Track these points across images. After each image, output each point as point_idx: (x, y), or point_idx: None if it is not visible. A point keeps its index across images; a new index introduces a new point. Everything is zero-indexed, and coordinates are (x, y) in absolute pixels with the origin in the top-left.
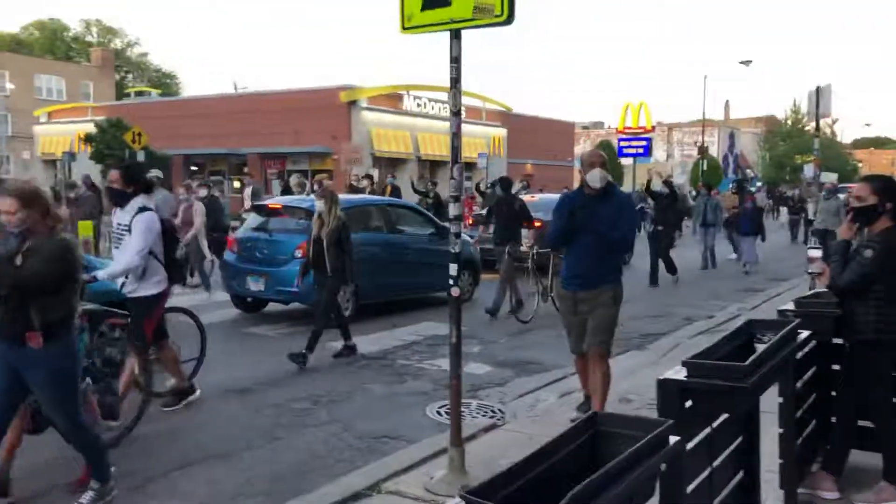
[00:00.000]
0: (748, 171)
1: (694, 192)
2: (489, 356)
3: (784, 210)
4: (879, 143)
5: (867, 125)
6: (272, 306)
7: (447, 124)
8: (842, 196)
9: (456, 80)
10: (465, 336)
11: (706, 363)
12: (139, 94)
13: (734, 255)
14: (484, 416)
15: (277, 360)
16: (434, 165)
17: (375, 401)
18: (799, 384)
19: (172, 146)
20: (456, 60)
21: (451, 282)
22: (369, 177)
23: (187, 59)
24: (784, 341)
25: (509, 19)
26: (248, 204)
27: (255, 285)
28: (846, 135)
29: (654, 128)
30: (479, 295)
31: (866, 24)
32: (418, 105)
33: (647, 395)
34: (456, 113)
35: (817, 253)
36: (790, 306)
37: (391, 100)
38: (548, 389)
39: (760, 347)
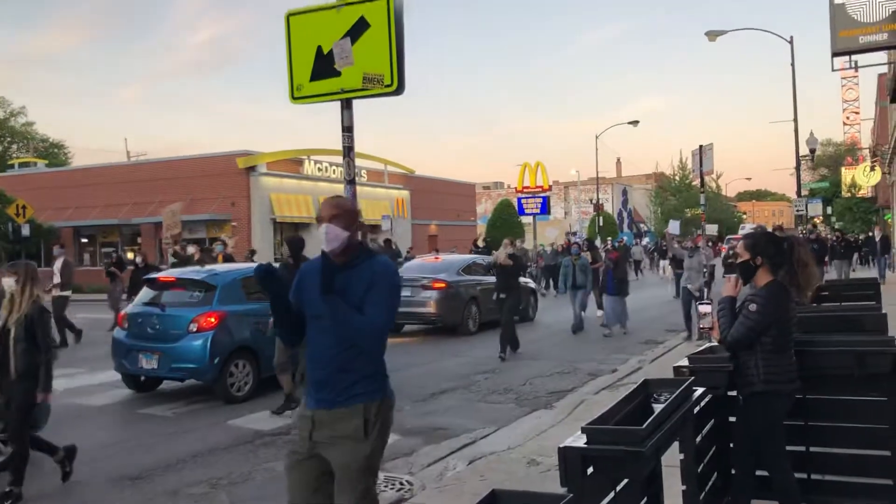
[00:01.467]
0: (641, 225)
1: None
2: (396, 425)
3: (663, 263)
4: (760, 195)
5: (748, 179)
6: (168, 384)
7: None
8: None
9: (349, 149)
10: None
11: (605, 428)
12: (23, 164)
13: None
14: (391, 489)
15: (175, 442)
16: None
17: (277, 480)
18: (698, 439)
19: (61, 218)
20: (348, 130)
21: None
22: (196, 242)
23: (78, 129)
24: (680, 400)
25: (399, 89)
26: (56, 279)
27: (147, 363)
28: (730, 188)
29: (551, 186)
30: (386, 361)
31: (742, 87)
32: (319, 169)
33: (554, 457)
34: (350, 181)
35: (708, 308)
36: (684, 362)
37: (291, 164)
38: (457, 456)
39: (657, 407)
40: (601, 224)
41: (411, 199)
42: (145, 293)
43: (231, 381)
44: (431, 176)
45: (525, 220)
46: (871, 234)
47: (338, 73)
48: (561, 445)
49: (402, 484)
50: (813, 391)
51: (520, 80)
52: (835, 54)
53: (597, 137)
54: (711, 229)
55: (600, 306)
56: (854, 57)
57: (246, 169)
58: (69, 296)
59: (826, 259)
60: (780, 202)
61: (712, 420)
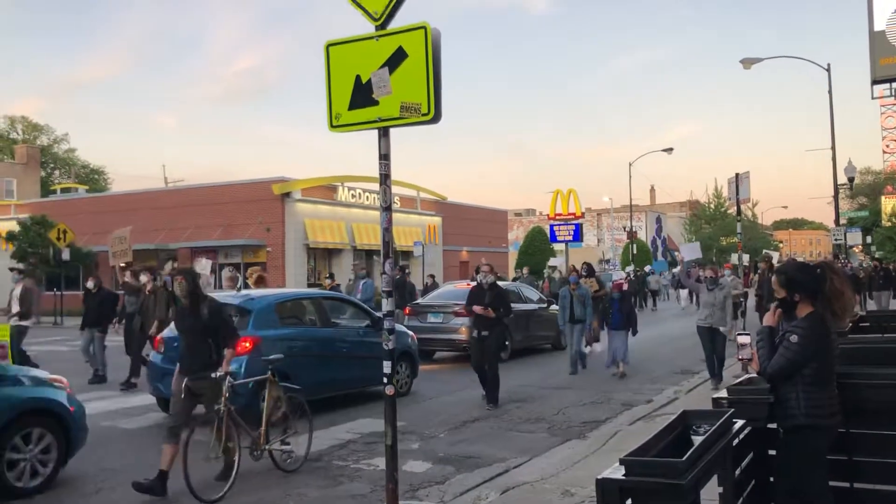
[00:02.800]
0: (676, 253)
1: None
2: (429, 452)
3: (683, 294)
4: (796, 223)
5: (784, 207)
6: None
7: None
8: (728, 280)
9: (385, 177)
10: (403, 431)
11: (643, 460)
12: (65, 190)
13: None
14: None
15: (209, 466)
16: (369, 254)
17: None
18: (737, 472)
19: (99, 243)
20: (385, 157)
21: (384, 380)
22: (149, 269)
23: (118, 155)
24: (720, 432)
25: (436, 118)
26: (15, 307)
27: None
28: (766, 217)
29: (583, 214)
30: (418, 388)
31: (778, 115)
32: (353, 196)
33: (589, 488)
34: (386, 208)
35: (746, 339)
36: (723, 393)
37: (326, 191)
38: (489, 486)
39: (697, 439)
40: (634, 252)
41: (443, 225)
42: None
43: (263, 405)
44: (463, 203)
45: (558, 247)
46: None
47: (376, 102)
48: (599, 477)
49: None
50: (857, 425)
51: (552, 106)
52: (875, 82)
53: (630, 165)
54: (692, 249)
55: (589, 342)
56: (894, 84)
57: (281, 195)
58: (28, 326)
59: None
60: (818, 231)
61: (752, 453)
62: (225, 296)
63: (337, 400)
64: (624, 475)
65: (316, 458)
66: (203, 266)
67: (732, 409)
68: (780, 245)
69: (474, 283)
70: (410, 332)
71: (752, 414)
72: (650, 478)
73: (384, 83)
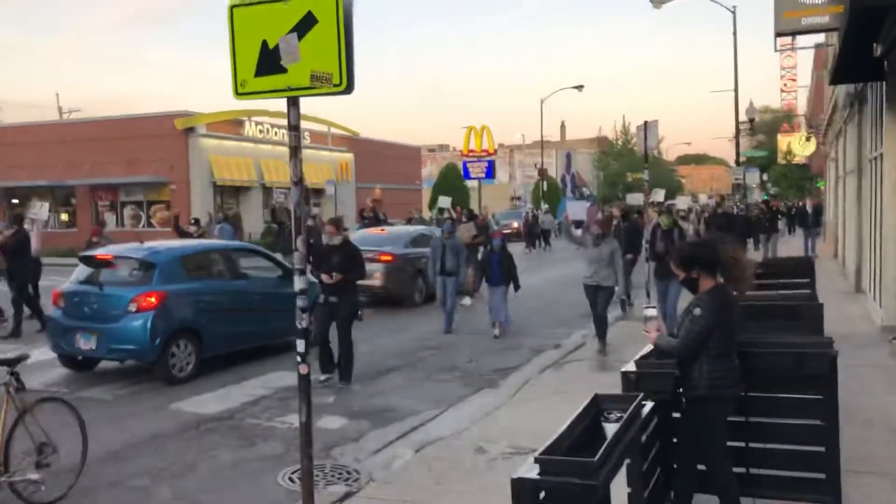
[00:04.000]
0: (584, 189)
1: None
2: (344, 406)
3: (578, 233)
4: (699, 159)
5: (688, 143)
6: (107, 363)
7: None
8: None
9: (296, 149)
10: (317, 384)
11: (557, 460)
12: None
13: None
14: (339, 479)
15: (115, 428)
16: (280, 192)
17: (223, 470)
18: (643, 438)
19: None
20: (294, 129)
21: (298, 359)
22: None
23: (6, 82)
24: (630, 421)
25: (348, 89)
26: None
27: (85, 343)
28: (670, 153)
29: (496, 150)
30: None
31: (685, 55)
32: (261, 131)
33: (501, 444)
34: (297, 182)
35: (653, 311)
36: (631, 367)
37: (232, 126)
38: (404, 442)
39: (608, 429)
40: (545, 188)
41: (356, 161)
42: (81, 271)
43: (172, 361)
44: (376, 138)
45: (470, 184)
46: (802, 203)
47: (284, 70)
48: (514, 476)
49: (349, 473)
50: (753, 389)
51: (466, 42)
52: (778, 34)
53: (542, 101)
54: (658, 194)
55: (468, 293)
56: (796, 37)
57: (185, 130)
58: None
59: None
60: (719, 166)
61: (656, 418)
62: (128, 248)
63: (248, 353)
64: (539, 475)
65: (228, 417)
66: (37, 211)
67: (641, 395)
68: (683, 180)
69: (328, 241)
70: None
71: (658, 386)
72: (564, 477)
73: (293, 50)
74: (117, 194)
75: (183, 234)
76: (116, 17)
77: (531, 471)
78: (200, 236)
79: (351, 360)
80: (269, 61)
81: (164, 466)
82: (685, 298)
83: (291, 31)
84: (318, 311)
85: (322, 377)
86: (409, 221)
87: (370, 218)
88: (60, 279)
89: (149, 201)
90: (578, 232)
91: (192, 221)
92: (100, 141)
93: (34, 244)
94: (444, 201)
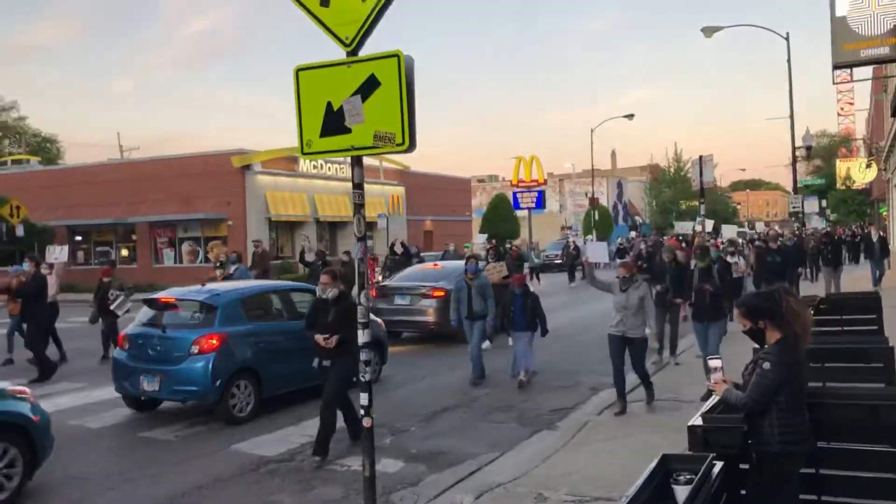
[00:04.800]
0: (637, 217)
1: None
2: (401, 448)
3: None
4: (753, 184)
5: (742, 170)
6: (168, 403)
7: (345, 184)
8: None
9: (360, 206)
10: (375, 425)
11: None
12: (16, 162)
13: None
14: None
15: (179, 470)
16: (332, 226)
17: None
18: (712, 490)
19: (54, 217)
20: (358, 187)
21: (361, 411)
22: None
23: (70, 123)
24: (701, 483)
25: (410, 148)
26: None
27: (149, 385)
28: (724, 179)
29: (546, 180)
30: (387, 373)
31: (738, 82)
32: (314, 167)
33: (561, 492)
34: (361, 238)
35: (718, 363)
36: (698, 421)
37: (287, 162)
38: (462, 486)
39: (678, 492)
40: (597, 218)
41: (406, 195)
42: (145, 313)
43: (233, 402)
44: (426, 171)
45: (521, 214)
46: (867, 231)
47: (348, 130)
48: None
49: None
50: (823, 440)
51: (513, 73)
52: (836, 66)
53: (592, 130)
54: (730, 230)
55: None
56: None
57: (241, 167)
58: None
59: (801, 269)
60: (775, 191)
61: (724, 472)
62: (190, 290)
63: (305, 394)
64: None
65: (289, 458)
66: (57, 255)
67: (711, 456)
68: (738, 206)
69: (321, 295)
70: (379, 320)
71: (727, 442)
72: None
73: (357, 111)
74: (175, 231)
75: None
76: (175, 55)
77: None
78: (226, 278)
79: (356, 416)
80: (334, 122)
81: None
82: (729, 343)
83: (355, 93)
84: (321, 374)
85: (315, 459)
86: (444, 256)
87: (400, 254)
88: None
89: (206, 237)
90: (605, 275)
91: (217, 265)
92: (159, 179)
93: (51, 289)
94: (480, 238)
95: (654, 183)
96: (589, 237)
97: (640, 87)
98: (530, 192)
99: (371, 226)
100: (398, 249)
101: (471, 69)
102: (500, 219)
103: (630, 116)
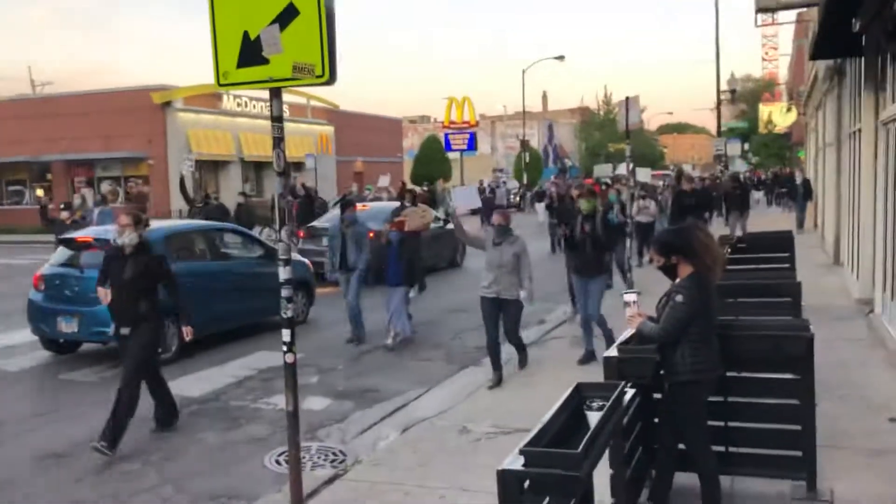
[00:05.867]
0: (566, 160)
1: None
2: (328, 386)
3: (540, 207)
4: (680, 128)
5: (670, 113)
6: (90, 345)
7: (270, 123)
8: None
9: (279, 140)
10: (301, 364)
11: (542, 452)
12: None
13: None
14: (325, 460)
15: (100, 410)
16: (259, 167)
17: (210, 453)
18: (625, 420)
19: None
20: (278, 119)
21: (283, 347)
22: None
23: None
24: (613, 409)
25: (331, 80)
26: None
27: (67, 327)
28: (652, 122)
29: (478, 122)
30: (315, 314)
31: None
32: (238, 104)
33: (484, 425)
34: (281, 173)
35: (632, 297)
36: (613, 352)
37: (209, 99)
38: (389, 422)
39: (591, 417)
40: (527, 160)
41: (336, 134)
42: (61, 253)
43: None
44: (356, 111)
45: (452, 155)
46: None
47: (266, 61)
48: (499, 468)
49: (335, 455)
50: (732, 370)
51: (445, 10)
52: (759, 10)
53: (524, 72)
54: (644, 173)
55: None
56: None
57: (162, 104)
58: None
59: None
60: (701, 135)
61: (637, 401)
62: (109, 230)
63: (232, 333)
64: (523, 466)
65: (214, 398)
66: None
67: (623, 383)
68: (665, 150)
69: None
70: (306, 261)
71: (640, 371)
72: (548, 469)
73: (275, 41)
74: (94, 170)
75: (52, 223)
76: None
77: (516, 462)
78: (73, 223)
79: (168, 398)
80: (251, 52)
81: (152, 450)
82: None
83: (273, 21)
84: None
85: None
86: (344, 199)
87: (302, 196)
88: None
89: (126, 176)
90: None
91: (63, 206)
92: (76, 116)
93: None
94: (384, 180)
95: (583, 125)
96: (499, 180)
97: (572, 28)
98: (462, 134)
99: (299, 166)
100: (300, 192)
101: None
102: (432, 160)
103: (560, 58)
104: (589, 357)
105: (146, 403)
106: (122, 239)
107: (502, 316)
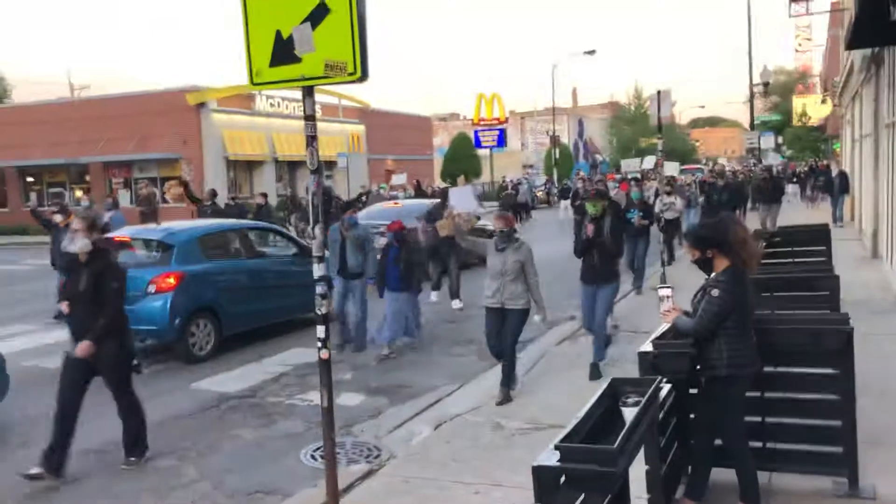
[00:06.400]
0: (598, 156)
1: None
2: (361, 382)
3: (565, 204)
4: (712, 122)
5: (702, 107)
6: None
7: (303, 123)
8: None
9: (312, 139)
10: (335, 361)
11: (578, 448)
12: None
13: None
14: (360, 455)
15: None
16: (292, 166)
17: (246, 449)
18: (661, 415)
19: (4, 158)
20: (310, 118)
21: (318, 344)
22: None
23: (15, 58)
24: (648, 405)
25: (363, 77)
26: None
27: None
28: (683, 116)
29: (507, 119)
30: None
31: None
32: (272, 105)
33: (517, 420)
34: (315, 170)
35: (667, 291)
36: (648, 347)
37: (243, 100)
38: (422, 418)
39: (627, 413)
40: (557, 156)
41: (367, 133)
42: None
43: (192, 340)
44: (387, 109)
45: (482, 152)
46: (825, 166)
47: (298, 60)
48: (535, 464)
49: (369, 451)
50: (769, 364)
51: (474, 7)
52: (792, 0)
53: (554, 67)
54: (671, 167)
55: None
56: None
57: (197, 105)
58: None
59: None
60: (733, 128)
61: (673, 396)
62: (145, 230)
63: (267, 330)
64: (559, 461)
65: (250, 395)
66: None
67: (659, 378)
68: (697, 144)
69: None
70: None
71: (675, 367)
72: (584, 465)
73: (307, 40)
74: (131, 171)
75: (47, 225)
76: None
77: (551, 458)
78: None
79: (138, 426)
80: (284, 51)
81: (189, 446)
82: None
83: (305, 20)
84: (65, 371)
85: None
86: (360, 199)
87: (289, 197)
88: None
89: (162, 177)
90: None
91: (56, 210)
92: (113, 118)
93: None
94: (399, 178)
95: (614, 120)
96: (518, 178)
97: (602, 23)
98: (491, 131)
99: (331, 165)
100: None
101: (430, 4)
102: (462, 157)
103: (591, 52)
104: (594, 372)
105: (175, 403)
106: (72, 246)
107: (504, 324)
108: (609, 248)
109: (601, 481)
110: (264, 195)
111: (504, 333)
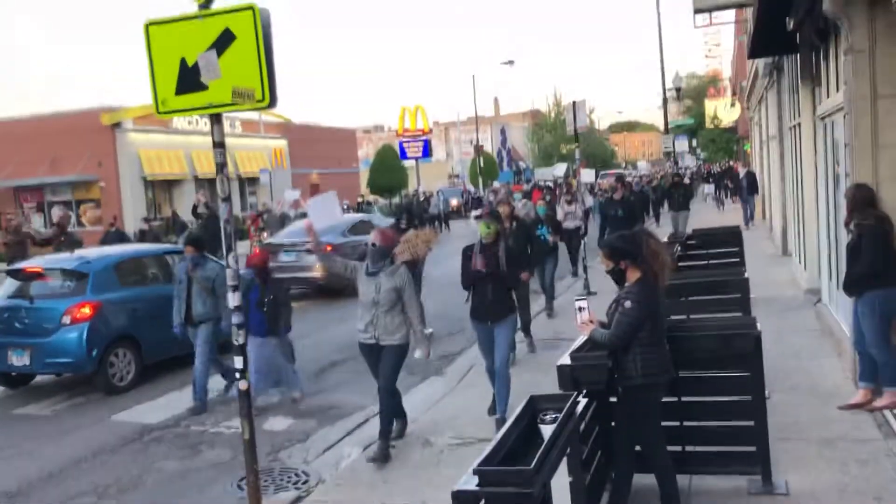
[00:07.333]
0: (521, 163)
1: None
2: (289, 406)
3: (474, 214)
4: (630, 126)
5: (619, 112)
6: (44, 377)
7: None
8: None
9: (222, 166)
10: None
11: (495, 470)
12: None
13: None
14: (288, 482)
15: (57, 445)
16: (213, 184)
17: (170, 481)
18: (581, 426)
19: None
20: (220, 145)
21: (237, 374)
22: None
23: None
24: (565, 422)
25: (272, 104)
26: None
27: (18, 360)
28: (603, 121)
29: (431, 129)
30: None
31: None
32: (189, 123)
33: (446, 436)
34: (225, 199)
35: (584, 303)
36: (566, 360)
37: (160, 119)
38: (351, 440)
39: (545, 431)
40: (482, 164)
41: (290, 148)
42: (10, 285)
43: (112, 371)
44: (309, 123)
45: (408, 163)
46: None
47: (205, 87)
48: (454, 489)
49: (297, 476)
50: (683, 369)
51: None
52: (697, 11)
53: (474, 77)
54: (588, 175)
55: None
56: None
57: (111, 125)
58: None
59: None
60: (651, 132)
61: (593, 407)
62: (57, 259)
63: (189, 358)
64: (477, 485)
65: (174, 424)
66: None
67: (575, 394)
68: (615, 148)
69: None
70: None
71: (593, 378)
72: (502, 487)
73: (213, 67)
74: (44, 195)
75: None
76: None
77: (470, 482)
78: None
79: None
80: (189, 79)
81: (110, 482)
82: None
83: (210, 47)
84: None
85: None
86: (260, 216)
87: (207, 216)
88: None
89: (77, 200)
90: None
91: None
92: (22, 140)
93: None
94: (292, 194)
95: (535, 128)
96: (426, 192)
97: (520, 32)
98: (416, 142)
99: (254, 181)
100: (202, 210)
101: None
102: (388, 169)
103: (510, 62)
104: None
105: (95, 437)
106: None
107: (381, 362)
108: (506, 279)
109: (520, 502)
110: (146, 219)
111: (380, 376)
